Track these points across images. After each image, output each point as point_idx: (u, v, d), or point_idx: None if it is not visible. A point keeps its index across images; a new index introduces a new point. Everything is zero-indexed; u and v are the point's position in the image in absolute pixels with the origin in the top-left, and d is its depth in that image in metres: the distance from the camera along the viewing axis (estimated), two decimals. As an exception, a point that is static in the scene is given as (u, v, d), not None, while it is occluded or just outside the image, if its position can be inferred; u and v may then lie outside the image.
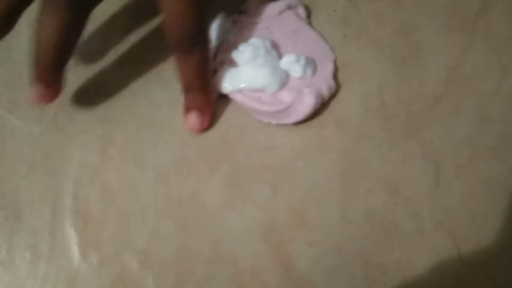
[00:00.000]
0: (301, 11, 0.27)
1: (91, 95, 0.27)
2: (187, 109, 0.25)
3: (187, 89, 0.25)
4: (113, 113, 0.26)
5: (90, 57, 0.28)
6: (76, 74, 0.27)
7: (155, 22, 0.28)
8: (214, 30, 0.27)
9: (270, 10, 0.27)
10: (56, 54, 0.23)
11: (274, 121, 0.25)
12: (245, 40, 0.26)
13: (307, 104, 0.25)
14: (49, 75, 0.23)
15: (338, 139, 0.25)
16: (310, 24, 0.27)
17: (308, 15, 0.28)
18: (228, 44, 0.27)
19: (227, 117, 0.26)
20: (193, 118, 0.25)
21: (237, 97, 0.25)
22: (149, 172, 0.25)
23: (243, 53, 0.25)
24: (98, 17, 0.28)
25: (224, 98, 0.26)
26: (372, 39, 0.27)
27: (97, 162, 0.25)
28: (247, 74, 0.25)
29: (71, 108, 0.26)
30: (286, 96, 0.25)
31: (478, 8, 0.27)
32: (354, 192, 0.24)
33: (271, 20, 0.27)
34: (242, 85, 0.25)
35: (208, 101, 0.25)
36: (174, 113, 0.26)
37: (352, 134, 0.25)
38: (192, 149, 0.25)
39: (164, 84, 0.27)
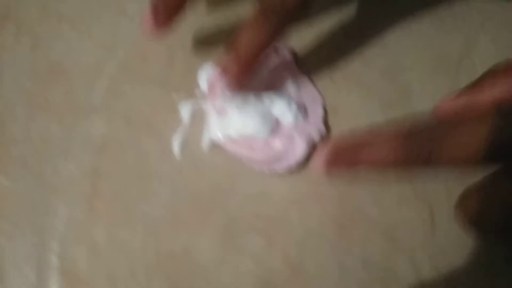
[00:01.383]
0: (287, 54, 0.27)
1: (76, 146, 0.26)
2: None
3: (231, 47, 0.23)
4: (100, 165, 0.25)
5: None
6: (63, 123, 0.26)
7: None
8: (202, 78, 0.27)
9: None
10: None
11: (266, 169, 0.25)
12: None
13: (299, 150, 0.24)
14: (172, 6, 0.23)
15: (330, 185, 0.25)
16: (296, 67, 0.27)
17: (295, 58, 0.28)
18: (216, 91, 0.26)
19: (219, 165, 0.25)
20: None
21: (228, 145, 0.25)
22: (138, 226, 0.24)
23: (233, 100, 0.25)
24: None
25: (215, 146, 0.26)
26: (359, 82, 0.27)
27: (84, 217, 0.24)
28: (237, 121, 0.25)
29: (57, 161, 0.26)
30: (277, 143, 0.25)
31: (462, 48, 0.28)
32: (350, 240, 0.24)
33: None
34: (233, 132, 0.25)
35: (241, 72, 0.23)
36: (163, 163, 0.25)
37: (345, 179, 0.25)
38: (183, 200, 0.25)
39: (152, 133, 0.26)
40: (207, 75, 0.27)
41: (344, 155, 0.19)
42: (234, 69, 0.23)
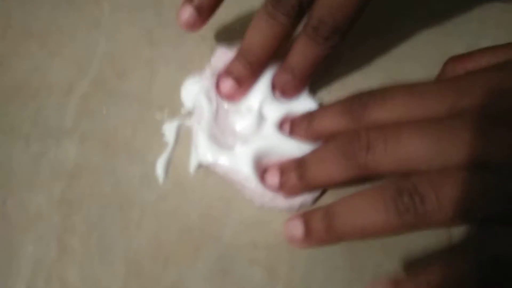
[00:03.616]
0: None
1: (45, 175, 0.23)
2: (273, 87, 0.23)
3: (285, 68, 0.23)
4: (72, 195, 0.22)
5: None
6: (29, 150, 0.23)
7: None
8: (186, 94, 0.24)
9: None
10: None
11: (268, 203, 0.22)
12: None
13: None
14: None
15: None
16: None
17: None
18: (201, 108, 0.24)
19: (209, 189, 0.23)
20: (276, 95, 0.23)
21: (219, 168, 0.22)
22: (118, 264, 0.21)
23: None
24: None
25: (204, 168, 0.23)
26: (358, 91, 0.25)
27: (54, 257, 0.21)
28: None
29: (23, 193, 0.22)
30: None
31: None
32: (361, 268, 0.21)
33: None
34: (225, 156, 0.22)
35: (297, 91, 0.23)
36: (145, 190, 0.22)
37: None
38: (169, 231, 0.22)
39: (133, 158, 0.23)
40: (191, 91, 0.24)
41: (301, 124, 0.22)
42: (292, 91, 0.23)
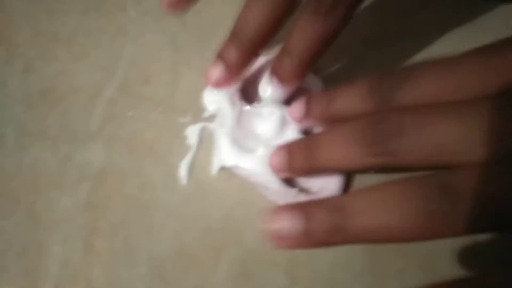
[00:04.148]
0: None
1: (72, 177, 0.23)
2: (271, 73, 0.21)
3: (284, 50, 0.20)
4: (98, 197, 0.23)
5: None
6: (57, 153, 0.24)
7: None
8: (208, 99, 0.24)
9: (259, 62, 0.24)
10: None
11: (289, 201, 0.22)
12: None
13: (337, 181, 0.22)
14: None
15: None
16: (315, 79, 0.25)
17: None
18: (224, 112, 0.24)
19: (230, 192, 0.23)
20: (272, 87, 0.21)
21: (241, 171, 0.22)
22: (142, 266, 0.21)
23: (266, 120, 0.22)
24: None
25: (226, 171, 0.23)
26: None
27: (80, 257, 0.22)
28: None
29: (51, 194, 0.23)
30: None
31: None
32: (383, 273, 0.21)
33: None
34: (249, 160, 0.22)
35: (296, 78, 0.20)
36: (169, 193, 0.23)
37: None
38: (192, 234, 0.22)
39: (157, 160, 0.24)
40: (214, 95, 0.24)
41: (317, 104, 0.19)
42: (290, 76, 0.20)
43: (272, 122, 0.23)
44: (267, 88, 0.22)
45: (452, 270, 0.21)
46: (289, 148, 0.19)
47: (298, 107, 0.20)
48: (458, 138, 0.15)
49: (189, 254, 0.22)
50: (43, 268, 0.22)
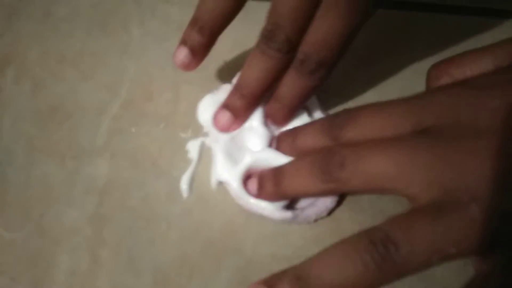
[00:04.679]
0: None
1: (79, 191, 0.24)
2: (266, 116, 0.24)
3: (275, 98, 0.23)
4: (104, 209, 0.24)
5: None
6: (64, 168, 0.25)
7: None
8: (202, 112, 0.25)
9: None
10: (222, 21, 0.23)
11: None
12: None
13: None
14: (206, 41, 0.23)
15: (351, 219, 0.23)
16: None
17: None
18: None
19: (230, 203, 0.24)
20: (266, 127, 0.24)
21: (232, 189, 0.23)
22: (146, 276, 0.22)
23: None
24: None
25: (225, 184, 0.24)
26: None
27: (87, 268, 0.23)
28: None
29: (58, 208, 0.24)
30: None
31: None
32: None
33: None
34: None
35: (286, 120, 0.24)
36: (171, 205, 0.24)
37: (366, 212, 0.23)
38: (193, 244, 0.23)
39: (160, 174, 0.25)
40: (206, 109, 0.25)
41: (285, 140, 0.23)
42: (281, 119, 0.24)
43: (260, 136, 0.24)
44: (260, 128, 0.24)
45: (446, 274, 0.22)
46: (261, 176, 0.23)
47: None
48: (385, 168, 0.19)
49: (191, 264, 0.23)
50: (51, 278, 0.22)
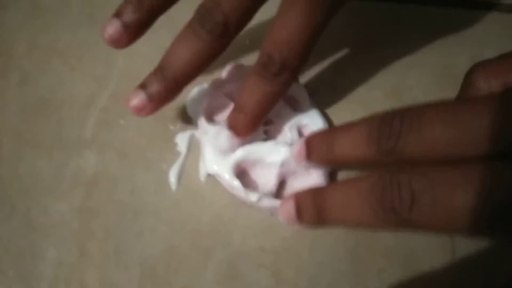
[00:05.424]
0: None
1: (67, 184, 0.24)
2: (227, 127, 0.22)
3: (236, 107, 0.22)
4: (92, 202, 0.24)
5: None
6: (52, 160, 0.25)
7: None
8: (190, 103, 0.25)
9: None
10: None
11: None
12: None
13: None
14: (142, 17, 0.21)
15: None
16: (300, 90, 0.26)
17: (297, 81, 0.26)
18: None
19: (218, 197, 0.24)
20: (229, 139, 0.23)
21: (225, 180, 0.23)
22: (133, 268, 0.22)
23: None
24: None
25: (214, 177, 0.24)
26: (364, 104, 0.26)
27: (74, 260, 0.22)
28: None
29: (46, 200, 0.24)
30: (292, 180, 0.23)
31: (467, 64, 0.27)
32: (366, 272, 0.22)
33: None
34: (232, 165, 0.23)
35: (249, 132, 0.22)
36: (160, 198, 0.24)
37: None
38: (181, 236, 0.23)
39: (148, 166, 0.24)
40: (195, 101, 0.25)
41: (319, 147, 0.19)
42: (243, 131, 0.22)
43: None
44: (224, 139, 0.23)
45: (431, 268, 0.22)
46: (298, 199, 0.18)
47: (299, 148, 0.20)
48: (470, 208, 0.14)
49: (179, 256, 0.22)
50: (38, 271, 0.22)
